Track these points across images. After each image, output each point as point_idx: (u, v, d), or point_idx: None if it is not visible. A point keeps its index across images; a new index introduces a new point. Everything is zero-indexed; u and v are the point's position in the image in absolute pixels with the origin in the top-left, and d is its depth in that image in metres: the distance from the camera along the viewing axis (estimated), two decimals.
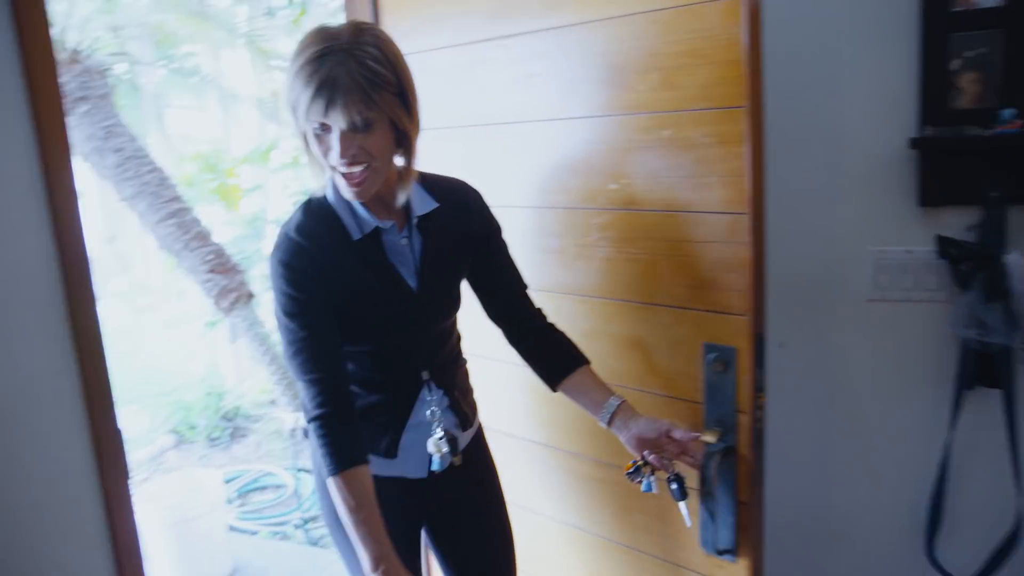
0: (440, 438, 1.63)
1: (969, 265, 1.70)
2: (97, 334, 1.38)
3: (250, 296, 5.38)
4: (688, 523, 1.61)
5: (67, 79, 4.85)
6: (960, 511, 1.86)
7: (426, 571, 2.11)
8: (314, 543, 4.04)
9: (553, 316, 1.84)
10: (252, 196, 7.30)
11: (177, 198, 5.24)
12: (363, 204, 1.53)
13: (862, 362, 1.91)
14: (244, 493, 4.77)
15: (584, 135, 1.73)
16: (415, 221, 1.59)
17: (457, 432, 1.69)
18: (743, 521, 1.61)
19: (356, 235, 1.54)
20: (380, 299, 1.56)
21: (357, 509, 1.47)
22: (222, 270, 5.23)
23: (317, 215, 1.55)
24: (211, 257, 5.18)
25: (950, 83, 1.70)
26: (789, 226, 1.85)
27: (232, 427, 5.89)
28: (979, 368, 1.76)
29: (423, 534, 1.81)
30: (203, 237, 5.23)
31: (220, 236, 6.96)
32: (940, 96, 1.72)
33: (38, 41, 1.31)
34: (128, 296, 10.39)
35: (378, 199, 1.55)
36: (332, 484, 1.48)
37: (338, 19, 2.20)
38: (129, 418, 5.99)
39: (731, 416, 1.58)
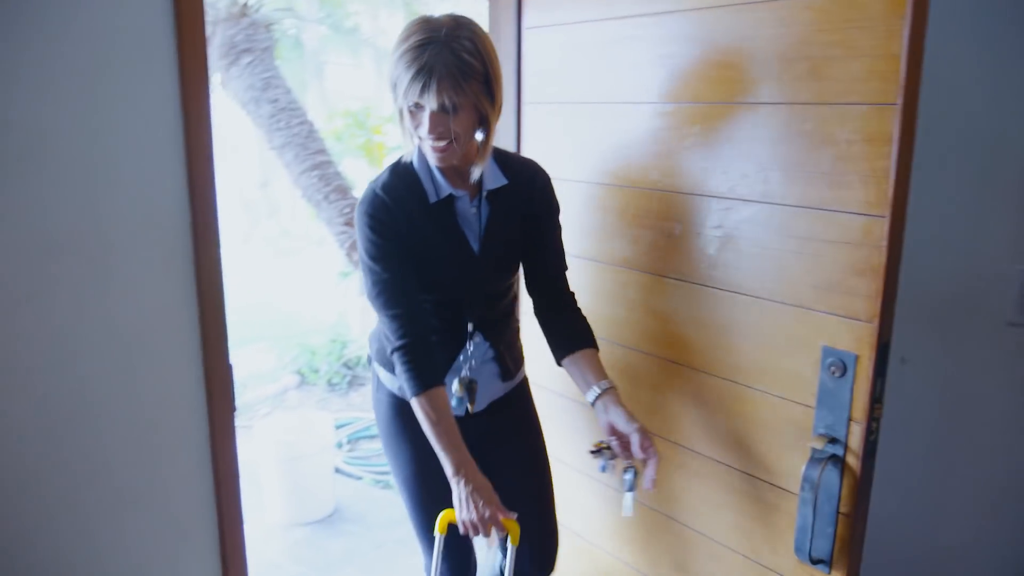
0: (461, 380, 1.81)
1: None
2: (219, 275, 1.42)
3: None
4: (626, 513, 1.70)
5: (235, 31, 5.05)
6: None
7: None
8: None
9: (666, 303, 1.79)
10: (396, 154, 7.45)
11: (323, 151, 5.33)
12: (442, 173, 1.70)
13: (992, 390, 1.78)
14: (353, 440, 4.87)
15: (720, 121, 1.65)
16: (485, 193, 1.74)
17: (497, 382, 1.88)
18: (842, 533, 1.52)
19: (433, 199, 1.71)
20: (446, 256, 1.75)
21: (438, 422, 1.65)
22: None
23: (401, 176, 1.73)
24: (348, 211, 5.27)
25: None
26: (929, 235, 1.73)
27: (351, 375, 6.02)
28: None
29: None
30: (343, 191, 5.31)
31: (360, 191, 7.16)
32: None
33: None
34: (274, 240, 10.83)
35: (455, 171, 1.72)
36: (415, 403, 1.66)
37: None
38: (258, 356, 6.22)
39: (843, 424, 1.49)
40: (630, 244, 1.90)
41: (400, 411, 1.84)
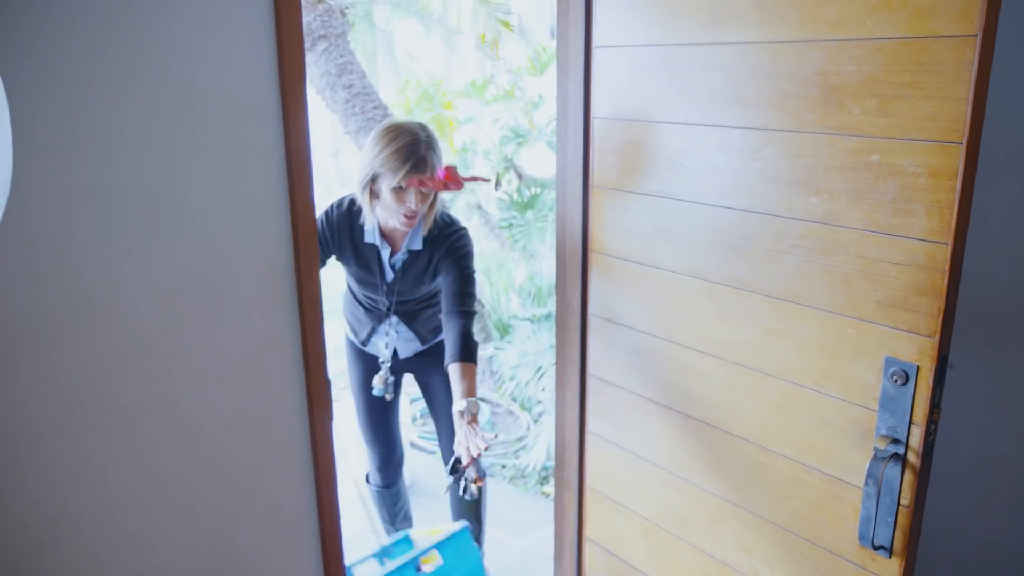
0: (384, 378, 2.63)
1: None
2: (318, 302, 1.53)
3: None
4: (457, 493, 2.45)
5: (311, 18, 5.01)
6: None
7: None
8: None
9: (734, 310, 1.85)
10: (465, 128, 7.41)
11: None
12: (381, 234, 2.47)
13: None
14: (426, 415, 4.98)
15: (789, 147, 1.71)
16: (406, 253, 2.49)
17: (416, 344, 2.72)
18: (902, 523, 1.59)
19: (368, 239, 2.47)
20: (367, 275, 2.54)
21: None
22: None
23: (352, 211, 2.48)
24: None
25: None
26: (981, 253, 1.77)
27: None
28: None
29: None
30: None
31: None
32: None
33: None
34: None
35: (393, 230, 2.47)
36: None
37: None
38: (335, 332, 6.32)
39: (904, 426, 1.56)
40: (699, 254, 1.96)
41: (351, 347, 2.83)
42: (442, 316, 2.47)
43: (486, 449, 2.23)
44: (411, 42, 7.98)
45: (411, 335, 2.68)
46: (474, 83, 7.32)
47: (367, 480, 3.00)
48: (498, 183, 6.77)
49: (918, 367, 1.52)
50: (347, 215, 2.46)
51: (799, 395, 1.77)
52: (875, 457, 1.58)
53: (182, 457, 1.36)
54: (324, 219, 2.46)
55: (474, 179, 2.50)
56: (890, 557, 1.62)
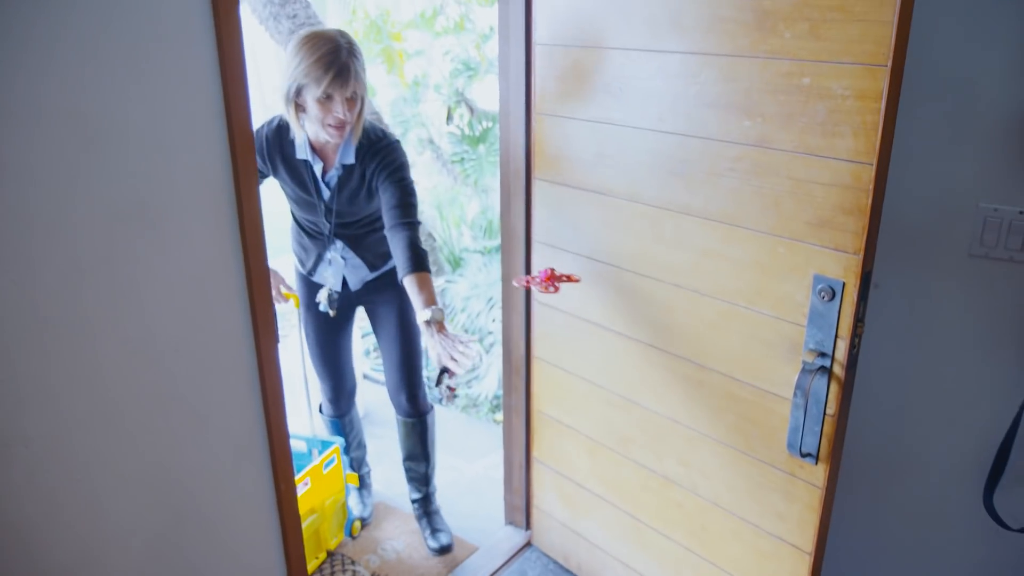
0: (327, 293, 2.57)
1: None
2: (260, 224, 1.52)
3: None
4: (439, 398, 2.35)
5: None
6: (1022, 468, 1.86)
7: None
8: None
9: (672, 233, 1.91)
10: (415, 61, 7.28)
11: None
12: (311, 147, 2.38)
13: (953, 312, 1.90)
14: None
15: (725, 72, 1.73)
16: (338, 167, 2.40)
17: (365, 271, 2.63)
18: (828, 431, 1.68)
19: (299, 155, 2.39)
20: (303, 194, 2.47)
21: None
22: None
23: (286, 130, 2.39)
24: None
25: None
26: (905, 176, 1.84)
27: None
28: None
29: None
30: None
31: (381, 98, 7.02)
32: None
33: None
34: None
35: (324, 144, 2.39)
36: None
37: None
38: (288, 267, 6.25)
39: (831, 340, 1.63)
40: (636, 178, 1.99)
41: (300, 278, 2.75)
42: (386, 232, 2.39)
43: (476, 356, 2.17)
44: None
45: (359, 261, 2.60)
46: (423, 14, 7.18)
47: (320, 411, 2.98)
48: (449, 117, 6.72)
49: (844, 284, 1.59)
50: (276, 132, 2.40)
51: (733, 313, 1.83)
52: (803, 370, 1.65)
53: (130, 379, 1.37)
54: (262, 127, 2.42)
55: (569, 279, 2.19)
56: (816, 463, 1.71)
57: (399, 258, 2.31)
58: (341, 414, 2.93)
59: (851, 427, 1.89)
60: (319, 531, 2.65)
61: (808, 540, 1.81)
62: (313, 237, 2.60)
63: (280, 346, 1.67)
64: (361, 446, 3.05)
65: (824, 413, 1.66)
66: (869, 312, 1.88)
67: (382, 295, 2.66)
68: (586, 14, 2.02)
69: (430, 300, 2.22)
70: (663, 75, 1.86)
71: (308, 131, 2.34)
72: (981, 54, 1.73)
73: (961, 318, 1.89)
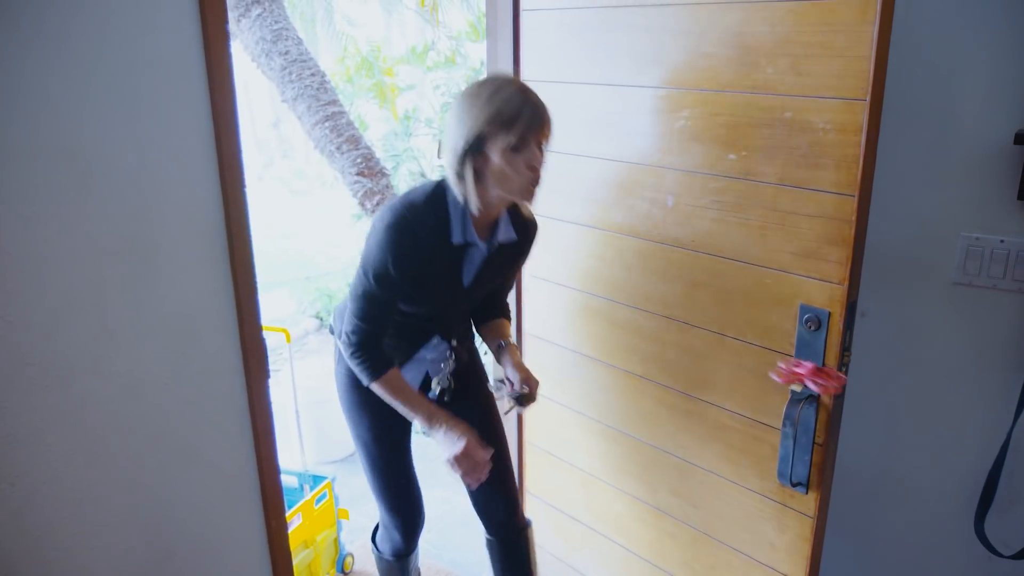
0: (443, 377, 2.02)
1: None
2: (250, 261, 1.51)
3: None
4: (504, 412, 2.12)
5: None
6: (1014, 493, 1.86)
7: None
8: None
9: (661, 266, 1.93)
10: (406, 95, 7.33)
11: (335, 101, 5.17)
12: (472, 222, 1.76)
13: (939, 340, 1.91)
14: None
15: (709, 106, 1.76)
16: (496, 245, 1.84)
17: (452, 366, 2.04)
18: (817, 460, 1.68)
19: (456, 240, 1.77)
20: (440, 286, 1.84)
21: (398, 392, 1.85)
22: (369, 174, 5.21)
23: (435, 211, 1.74)
24: (360, 161, 5.17)
25: None
26: (889, 207, 1.86)
27: None
28: None
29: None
30: (354, 141, 5.18)
31: (373, 132, 7.08)
32: None
33: None
34: (287, 180, 10.64)
35: (485, 218, 1.79)
36: (375, 387, 1.84)
37: None
38: (278, 302, 6.23)
39: None
40: (627, 213, 2.01)
41: (356, 384, 1.93)
42: (478, 321, 2.09)
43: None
44: (350, 8, 7.86)
45: (452, 361, 2.04)
46: (414, 49, 7.27)
47: (375, 545, 2.30)
48: (440, 150, 6.76)
49: (829, 313, 1.60)
50: (432, 213, 1.74)
51: (722, 344, 1.84)
52: (792, 399, 1.66)
53: (119, 416, 1.36)
54: (402, 235, 1.70)
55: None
56: (807, 492, 1.71)
57: (490, 308, 2.08)
58: (410, 551, 2.26)
59: (841, 456, 1.90)
60: (311, 567, 2.63)
61: (800, 569, 1.80)
62: (411, 332, 1.96)
63: (271, 381, 1.67)
64: None
65: (813, 442, 1.67)
66: (856, 341, 1.89)
67: (467, 388, 2.11)
68: (572, 51, 2.05)
69: (508, 335, 2.08)
70: (648, 110, 1.88)
71: (477, 200, 1.72)
72: (960, 86, 1.76)
73: (947, 346, 1.90)
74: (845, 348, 1.61)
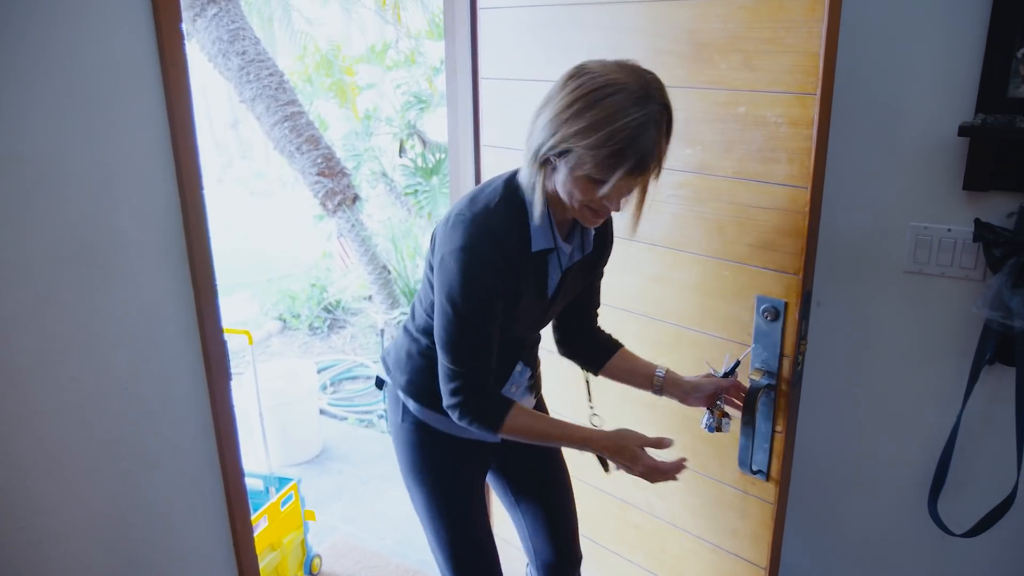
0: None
1: (1002, 251, 1.67)
2: (210, 264, 1.50)
3: (355, 199, 5.33)
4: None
5: None
6: (964, 475, 1.90)
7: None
8: (386, 433, 4.18)
9: (620, 260, 1.92)
10: (366, 94, 7.27)
11: (294, 101, 5.12)
12: (557, 224, 1.50)
13: (892, 328, 1.94)
14: (337, 381, 4.96)
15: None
16: (579, 248, 1.58)
17: (529, 397, 1.77)
18: (777, 448, 1.71)
19: (538, 246, 1.48)
20: (529, 301, 1.53)
21: (533, 428, 1.53)
22: (330, 174, 5.18)
23: (514, 216, 1.45)
24: (320, 161, 5.14)
25: (1012, 70, 1.65)
26: (841, 199, 1.89)
27: (331, 319, 5.98)
28: (998, 347, 1.75)
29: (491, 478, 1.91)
30: (314, 141, 5.14)
31: (334, 132, 7.01)
32: (1000, 82, 1.67)
33: None
34: (247, 181, 10.46)
35: (561, 219, 1.51)
36: (507, 434, 1.51)
37: None
38: (241, 305, 6.14)
39: (775, 359, 1.67)
40: None
41: (423, 442, 1.69)
42: (572, 339, 1.80)
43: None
44: (308, 7, 7.78)
45: (529, 394, 1.78)
46: (373, 48, 7.22)
47: None
48: (402, 150, 6.74)
49: (786, 303, 1.63)
50: (511, 225, 1.46)
51: (682, 336, 1.86)
52: (751, 389, 1.68)
53: (78, 422, 1.34)
54: (493, 258, 1.42)
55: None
56: (767, 480, 1.74)
57: (603, 341, 1.79)
58: None
59: (800, 443, 1.93)
60: (278, 569, 2.60)
61: (763, 555, 1.83)
62: (497, 364, 1.56)
63: (233, 384, 1.66)
64: None
65: (773, 430, 1.69)
66: (812, 331, 1.94)
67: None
68: (530, 48, 2.06)
69: (651, 363, 1.76)
70: None
71: (536, 208, 1.43)
72: (907, 81, 1.79)
73: (900, 333, 1.94)
74: (801, 337, 1.64)
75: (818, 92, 1.50)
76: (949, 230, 1.81)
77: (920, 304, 1.89)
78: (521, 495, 1.87)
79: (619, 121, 1.28)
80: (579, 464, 2.23)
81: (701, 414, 1.75)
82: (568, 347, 1.81)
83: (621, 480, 2.11)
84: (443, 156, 6.11)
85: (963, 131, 1.69)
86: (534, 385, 1.78)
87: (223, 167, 10.84)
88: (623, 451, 1.53)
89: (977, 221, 1.72)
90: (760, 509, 1.79)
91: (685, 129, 1.74)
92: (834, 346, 2.01)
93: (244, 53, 4.95)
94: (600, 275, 1.75)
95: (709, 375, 1.71)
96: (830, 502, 2.15)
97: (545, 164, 1.39)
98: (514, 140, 2.14)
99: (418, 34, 6.99)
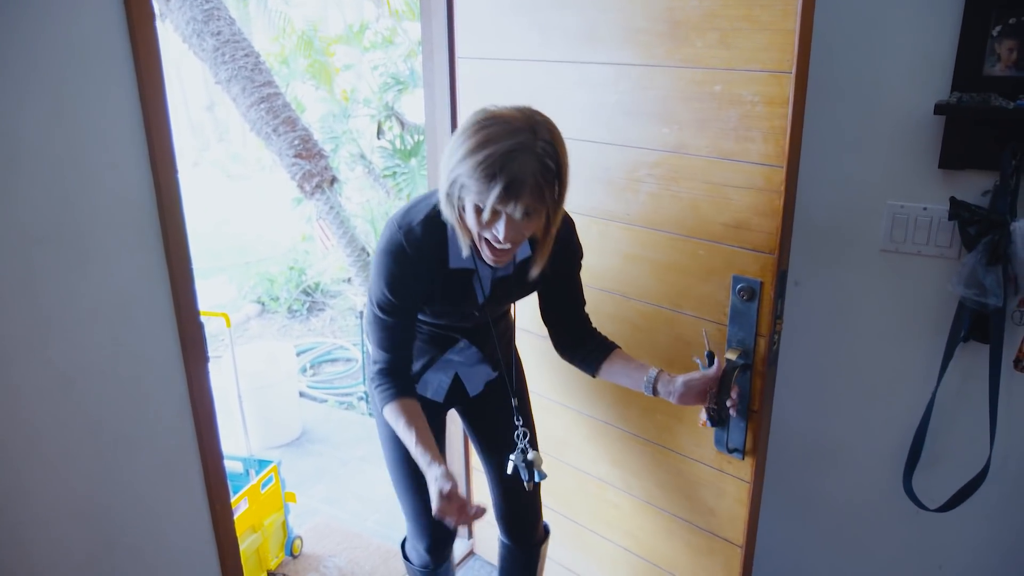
0: (524, 457, 1.83)
1: (976, 228, 1.68)
2: (185, 244, 1.50)
3: (333, 180, 5.29)
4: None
5: None
6: (939, 450, 1.93)
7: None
8: (370, 415, 4.19)
9: (596, 239, 1.94)
10: (344, 75, 7.21)
11: (270, 83, 5.06)
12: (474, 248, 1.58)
13: (869, 306, 1.95)
14: (316, 364, 4.96)
15: (642, 81, 1.77)
16: (512, 266, 1.69)
17: (489, 372, 1.93)
18: (752, 427, 1.73)
19: (454, 264, 1.63)
20: (451, 304, 1.71)
21: (409, 424, 1.64)
22: (307, 155, 5.13)
23: (432, 234, 1.60)
24: (297, 142, 5.07)
25: (987, 48, 1.66)
26: (818, 178, 1.90)
27: (310, 301, 5.96)
28: (973, 324, 1.77)
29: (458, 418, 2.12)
30: (291, 122, 5.07)
31: (311, 114, 6.95)
32: (975, 61, 1.68)
33: None
34: (224, 164, 10.35)
35: None
36: (389, 409, 1.67)
37: None
38: (219, 288, 6.10)
39: (751, 338, 1.68)
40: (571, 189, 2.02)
41: None
42: (565, 343, 1.85)
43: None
44: None
45: (485, 364, 1.92)
46: (351, 27, 7.15)
47: (404, 555, 2.16)
48: (380, 131, 6.71)
49: (761, 283, 1.64)
50: (429, 239, 1.60)
51: (659, 315, 1.87)
52: (727, 367, 1.69)
53: (54, 405, 1.33)
54: (398, 265, 1.61)
55: None
56: (743, 458, 1.76)
57: (603, 343, 1.81)
58: (442, 562, 2.09)
59: (777, 421, 1.95)
60: (259, 551, 2.61)
61: (739, 534, 1.85)
62: (439, 339, 1.86)
63: (212, 367, 1.65)
64: None
65: (748, 409, 1.71)
66: (791, 309, 1.96)
67: (498, 393, 1.97)
68: (506, 27, 2.04)
69: (644, 364, 1.75)
70: (583, 86, 1.89)
71: (461, 241, 1.57)
72: (883, 59, 1.79)
73: (877, 311, 1.95)
74: (777, 316, 1.66)
75: (793, 70, 1.50)
76: (925, 209, 1.82)
77: (896, 282, 1.91)
78: (483, 453, 2.06)
79: (492, 146, 1.38)
80: (558, 443, 2.25)
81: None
82: (565, 351, 1.86)
83: (597, 458, 2.14)
84: (421, 138, 6.08)
85: (939, 109, 1.69)
86: (489, 359, 1.90)
87: (199, 150, 10.72)
88: (432, 484, 1.55)
89: (952, 199, 1.73)
90: (736, 487, 1.81)
91: (661, 108, 1.75)
92: (812, 324, 2.03)
93: (219, 34, 4.87)
94: (571, 278, 1.80)
95: (702, 371, 1.68)
96: (808, 479, 2.17)
97: (457, 205, 1.49)
98: None
99: (397, 13, 6.93)
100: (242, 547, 2.46)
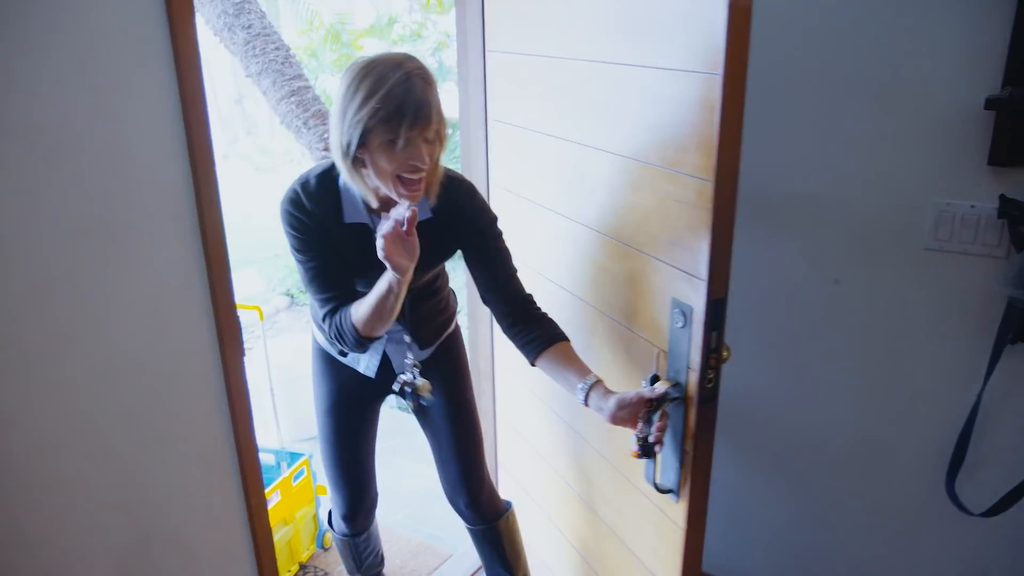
0: (408, 368, 1.91)
1: None
2: (222, 238, 1.49)
3: None
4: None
5: None
6: (983, 454, 1.88)
7: None
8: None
9: (577, 246, 1.84)
10: None
11: (300, 76, 4.94)
12: (365, 204, 1.68)
13: (912, 305, 1.91)
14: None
15: (596, 81, 1.67)
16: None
17: (416, 350, 1.95)
18: (685, 468, 1.54)
19: (348, 219, 1.71)
20: (358, 265, 1.74)
21: (368, 299, 1.64)
22: None
23: (325, 188, 1.70)
24: (327, 136, 4.96)
25: None
26: (861, 174, 1.86)
27: None
28: (1022, 326, 1.72)
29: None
30: (321, 116, 4.93)
31: None
32: None
33: None
34: (252, 157, 10.38)
35: (388, 200, 1.63)
36: (346, 318, 1.69)
37: None
38: (247, 281, 6.11)
39: (684, 371, 1.50)
40: (551, 191, 1.94)
41: (322, 357, 2.05)
42: (503, 319, 1.78)
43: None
44: None
45: (408, 337, 1.94)
46: (379, 20, 7.01)
47: (329, 523, 2.32)
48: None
49: (693, 309, 1.45)
50: (323, 193, 1.71)
51: (617, 333, 1.73)
52: (654, 398, 1.50)
53: (93, 398, 1.36)
54: (296, 210, 1.71)
55: None
56: (678, 501, 1.58)
57: (544, 330, 1.74)
58: (358, 531, 2.26)
59: (820, 420, 1.99)
60: (290, 543, 2.68)
61: None
62: None
63: (246, 359, 1.64)
64: (378, 562, 2.45)
65: (681, 448, 1.53)
66: (830, 307, 2.00)
67: (432, 375, 1.99)
68: (533, 22, 1.95)
69: (586, 369, 1.67)
70: (572, 82, 1.78)
71: (368, 188, 1.64)
72: (931, 52, 1.73)
73: (920, 311, 1.91)
74: (711, 349, 1.45)
75: (720, 72, 1.28)
76: (972, 206, 1.77)
77: (941, 282, 1.86)
78: (425, 427, 2.14)
79: (387, 84, 1.48)
80: (554, 453, 2.16)
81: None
82: (507, 331, 1.79)
83: (579, 475, 2.03)
84: (449, 131, 5.87)
85: (989, 104, 1.66)
86: (419, 339, 1.96)
87: (228, 143, 10.73)
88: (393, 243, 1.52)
89: (1002, 197, 1.70)
90: (672, 532, 1.62)
91: (613, 110, 1.62)
92: (852, 323, 2.01)
93: (250, 27, 4.82)
94: (491, 248, 1.77)
95: (636, 392, 1.53)
96: (848, 480, 2.13)
97: (356, 162, 1.56)
98: (515, 117, 2.10)
99: (428, 4, 6.74)
100: (274, 540, 2.54)
